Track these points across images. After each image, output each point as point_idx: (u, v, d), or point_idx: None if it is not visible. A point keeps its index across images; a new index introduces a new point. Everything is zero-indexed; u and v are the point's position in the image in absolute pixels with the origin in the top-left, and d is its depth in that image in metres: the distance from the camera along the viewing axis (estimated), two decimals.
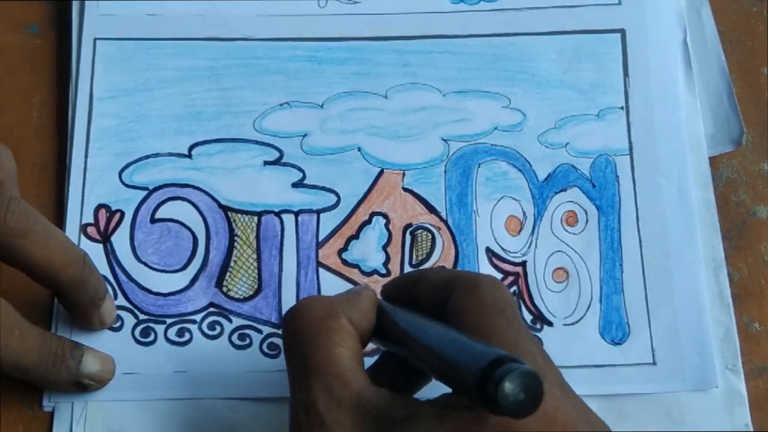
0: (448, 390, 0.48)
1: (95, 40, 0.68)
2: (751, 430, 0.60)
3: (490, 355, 0.42)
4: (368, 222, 0.64)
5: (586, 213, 0.65)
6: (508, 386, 0.41)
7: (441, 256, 0.64)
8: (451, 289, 0.51)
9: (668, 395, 0.61)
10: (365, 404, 0.47)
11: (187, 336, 0.61)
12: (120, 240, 0.64)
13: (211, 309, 0.62)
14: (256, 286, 0.63)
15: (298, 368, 0.50)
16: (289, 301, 0.62)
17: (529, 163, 0.66)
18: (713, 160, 0.66)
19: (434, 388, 0.50)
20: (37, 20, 0.70)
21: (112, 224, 0.64)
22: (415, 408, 0.47)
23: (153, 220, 0.64)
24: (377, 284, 0.62)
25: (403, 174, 0.66)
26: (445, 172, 0.66)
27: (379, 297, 0.56)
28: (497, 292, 0.50)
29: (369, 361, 0.54)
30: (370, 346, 0.55)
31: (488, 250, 0.64)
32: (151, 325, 0.62)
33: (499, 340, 0.47)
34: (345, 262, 0.64)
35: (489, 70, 0.68)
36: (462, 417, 0.45)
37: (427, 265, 0.64)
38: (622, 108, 0.67)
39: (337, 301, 0.52)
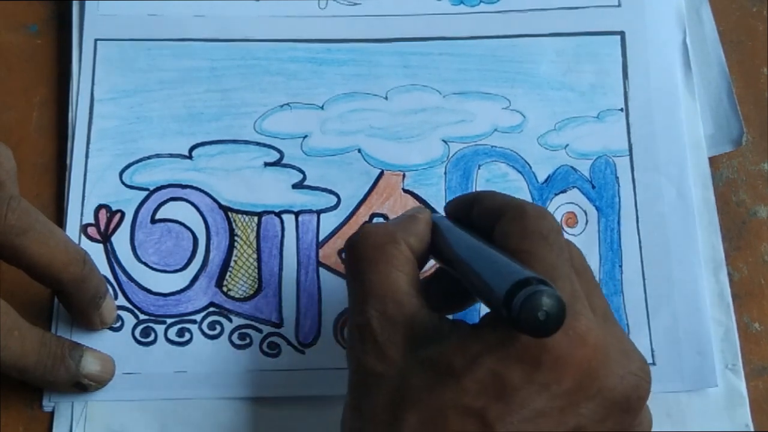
0: None
1: (96, 41, 0.68)
2: (751, 430, 0.60)
3: (517, 276, 0.44)
4: (368, 223, 0.64)
5: (586, 214, 0.65)
6: (530, 306, 0.42)
7: None
8: (499, 215, 0.52)
9: (668, 395, 0.61)
10: (416, 325, 0.49)
11: (187, 336, 0.61)
12: (120, 240, 0.64)
13: (211, 309, 0.62)
14: (256, 286, 0.63)
15: (357, 291, 0.51)
16: (289, 300, 0.62)
17: (528, 164, 0.66)
18: (713, 160, 0.66)
19: None
20: (37, 20, 0.70)
21: (113, 224, 0.64)
22: (457, 328, 0.49)
23: (153, 221, 0.64)
24: None
25: (404, 175, 0.66)
26: (445, 173, 0.66)
27: (442, 213, 0.58)
28: (542, 220, 0.51)
29: None
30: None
31: None
32: (151, 325, 0.62)
33: (538, 263, 0.48)
34: None
35: (489, 71, 0.69)
36: (496, 334, 0.46)
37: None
38: (621, 110, 0.67)
39: (396, 228, 0.53)
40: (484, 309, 0.61)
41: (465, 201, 0.57)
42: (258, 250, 0.63)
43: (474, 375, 0.46)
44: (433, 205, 0.65)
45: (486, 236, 0.52)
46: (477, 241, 0.51)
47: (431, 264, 0.58)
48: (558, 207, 0.65)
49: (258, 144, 0.66)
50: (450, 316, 0.53)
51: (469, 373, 0.46)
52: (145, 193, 0.65)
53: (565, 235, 0.63)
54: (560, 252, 0.50)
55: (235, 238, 0.64)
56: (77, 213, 0.64)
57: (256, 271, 0.63)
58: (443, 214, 0.58)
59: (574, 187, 0.65)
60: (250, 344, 0.61)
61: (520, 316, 0.42)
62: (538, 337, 0.43)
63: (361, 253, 0.52)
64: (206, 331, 0.62)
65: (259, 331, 0.62)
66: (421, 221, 0.55)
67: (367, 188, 0.65)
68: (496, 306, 0.45)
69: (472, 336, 0.47)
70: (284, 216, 0.64)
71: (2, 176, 0.58)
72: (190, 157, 0.66)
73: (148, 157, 0.66)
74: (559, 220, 0.65)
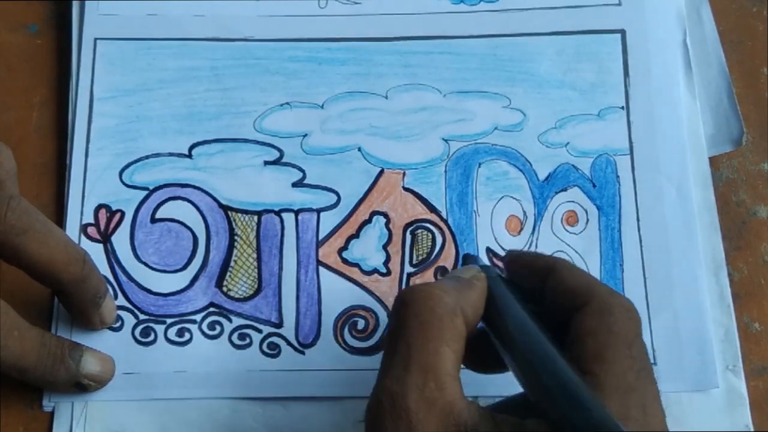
0: None
1: (95, 40, 0.68)
2: (752, 430, 0.60)
3: (596, 422, 0.42)
4: (368, 221, 0.64)
5: (587, 213, 0.65)
6: None
7: (441, 256, 0.64)
8: (582, 303, 0.49)
9: (669, 395, 0.60)
10: (455, 414, 0.46)
11: (187, 336, 0.61)
12: (120, 240, 0.64)
13: (211, 309, 0.62)
14: (256, 286, 0.63)
15: (399, 354, 0.47)
16: (289, 301, 0.62)
17: (529, 162, 0.66)
18: (713, 160, 0.66)
19: None
20: (37, 20, 0.70)
21: (113, 224, 0.64)
22: (499, 427, 0.46)
23: (153, 220, 0.64)
24: (379, 283, 0.62)
25: (404, 174, 0.66)
26: (445, 171, 0.66)
27: (497, 269, 0.55)
28: (630, 322, 0.48)
29: None
30: None
31: (489, 250, 0.64)
32: (151, 325, 0.62)
33: (617, 379, 0.46)
34: (345, 261, 0.63)
35: (489, 70, 0.68)
36: None
37: (427, 265, 0.64)
38: (622, 108, 0.67)
39: (456, 296, 0.49)
40: None
41: (537, 266, 0.54)
42: (258, 250, 0.63)
43: None
44: (433, 203, 0.65)
45: (553, 316, 0.49)
46: (542, 335, 0.48)
47: None
48: (558, 205, 0.65)
49: (258, 143, 0.66)
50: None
51: None
52: (145, 192, 0.65)
53: (566, 234, 0.64)
54: (641, 367, 0.47)
55: (235, 237, 0.64)
56: (77, 213, 0.64)
57: (256, 270, 0.63)
58: (499, 268, 0.54)
59: (574, 185, 0.65)
60: (249, 344, 0.61)
61: None
62: None
63: (414, 314, 0.48)
64: (206, 331, 0.62)
65: (259, 331, 0.62)
66: (478, 289, 0.51)
67: (367, 186, 0.65)
68: (553, 426, 0.43)
69: None
70: (284, 214, 0.64)
71: (2, 176, 0.57)
72: (189, 156, 0.66)
73: (148, 157, 0.66)
74: (559, 218, 0.65)
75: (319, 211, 0.65)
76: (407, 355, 0.47)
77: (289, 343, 0.61)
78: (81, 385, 0.59)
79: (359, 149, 0.66)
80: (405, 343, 0.47)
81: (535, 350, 0.47)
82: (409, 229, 0.64)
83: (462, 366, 0.48)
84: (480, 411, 0.47)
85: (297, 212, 0.64)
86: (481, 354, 0.52)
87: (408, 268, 0.63)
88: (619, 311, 0.48)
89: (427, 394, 0.46)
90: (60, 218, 0.64)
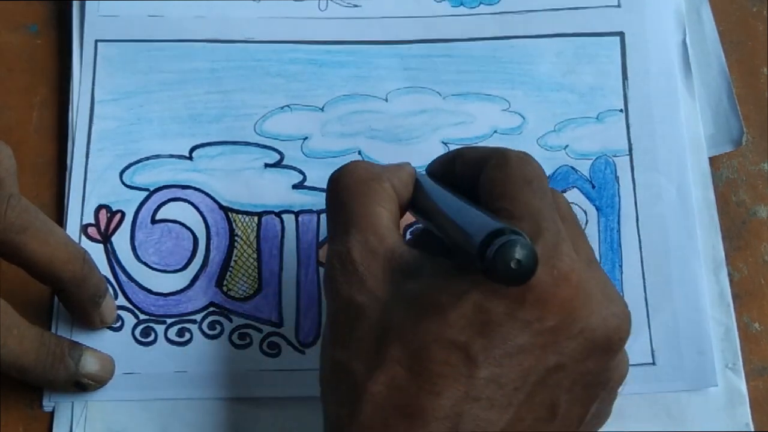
0: None
1: (96, 41, 0.68)
2: (752, 429, 0.60)
3: (491, 226, 0.44)
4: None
5: (586, 214, 0.65)
6: (503, 255, 0.43)
7: None
8: (483, 163, 0.52)
9: (668, 395, 0.61)
10: (397, 259, 0.49)
11: (187, 336, 0.61)
12: (120, 240, 0.64)
13: (212, 308, 0.62)
14: (256, 286, 0.63)
15: (339, 222, 0.52)
16: (289, 300, 0.62)
17: None
18: (713, 160, 0.66)
19: None
20: (37, 20, 0.70)
21: (113, 225, 0.64)
22: (438, 265, 0.49)
23: (154, 221, 0.64)
24: None
25: None
26: None
27: (423, 172, 0.58)
28: (526, 166, 0.51)
29: None
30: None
31: None
32: (152, 325, 0.62)
33: (523, 207, 0.49)
34: None
35: (488, 73, 0.69)
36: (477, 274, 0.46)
37: None
38: (621, 110, 0.67)
39: (381, 168, 0.54)
40: None
41: (447, 159, 0.57)
42: (258, 250, 0.63)
43: (459, 310, 0.46)
44: None
45: (470, 190, 0.52)
46: (455, 195, 0.52)
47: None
48: None
49: (258, 145, 0.66)
50: None
51: (455, 308, 0.46)
52: (146, 193, 0.65)
53: None
54: (544, 196, 0.50)
55: (236, 238, 0.64)
56: (77, 213, 0.64)
57: (256, 271, 0.63)
58: (425, 172, 0.58)
59: (574, 187, 0.65)
60: (250, 344, 0.61)
61: (494, 266, 0.43)
62: (511, 286, 0.44)
63: (345, 186, 0.53)
64: (206, 331, 0.62)
65: (259, 330, 0.62)
66: (405, 170, 0.55)
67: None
68: (471, 255, 0.45)
69: (457, 272, 0.47)
70: (284, 216, 0.64)
71: (2, 174, 0.57)
72: (190, 158, 0.66)
73: (149, 158, 0.66)
74: None
75: (319, 213, 0.65)
76: (346, 221, 0.51)
77: (289, 343, 0.61)
78: (81, 385, 0.58)
79: (359, 152, 0.66)
80: (341, 212, 0.52)
81: (453, 205, 0.51)
82: (409, 230, 0.64)
83: None
84: (422, 254, 0.50)
85: (297, 214, 0.64)
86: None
87: None
88: (516, 159, 0.51)
89: (369, 246, 0.50)
90: (60, 218, 0.64)
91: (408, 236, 0.64)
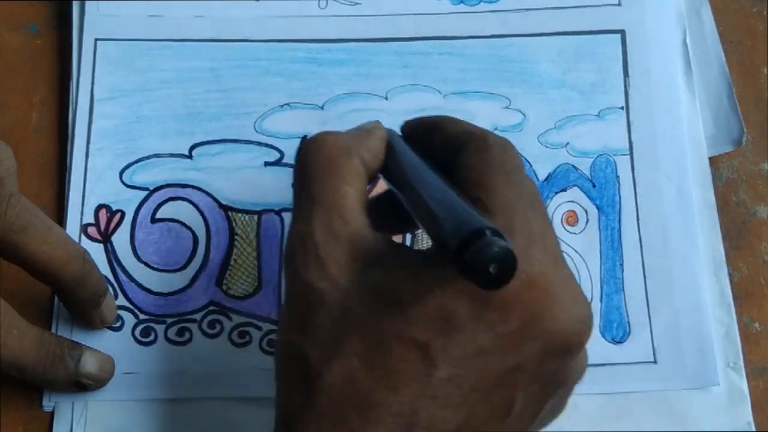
0: None
1: (96, 40, 0.68)
2: (753, 429, 0.60)
3: (473, 225, 0.43)
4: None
5: (587, 213, 0.65)
6: (482, 258, 0.42)
7: None
8: (462, 145, 0.51)
9: (669, 393, 0.61)
10: (361, 246, 0.48)
11: (187, 335, 0.61)
12: (120, 240, 0.64)
13: (211, 307, 0.62)
14: (256, 284, 0.63)
15: (303, 199, 0.50)
16: None
17: (529, 163, 0.66)
18: (713, 160, 0.66)
19: None
20: (37, 20, 0.70)
21: (113, 224, 0.64)
22: (404, 255, 0.48)
23: (153, 220, 0.64)
24: None
25: None
26: None
27: (398, 131, 0.56)
28: (505, 154, 0.50)
29: None
30: None
31: None
32: (152, 324, 0.62)
33: (498, 199, 0.48)
34: None
35: (489, 71, 0.68)
36: (448, 269, 0.45)
37: None
38: (622, 108, 0.67)
39: (351, 140, 0.52)
40: None
41: (425, 124, 0.56)
42: (258, 249, 0.63)
43: (422, 308, 0.45)
44: None
45: (444, 164, 0.51)
46: (433, 173, 0.50)
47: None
48: (558, 205, 0.65)
49: (258, 144, 0.66)
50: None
51: (418, 305, 0.45)
52: (145, 192, 0.65)
53: (566, 234, 0.63)
54: (521, 190, 0.49)
55: (236, 236, 0.64)
56: (77, 213, 0.64)
57: (256, 269, 0.63)
58: (399, 132, 0.57)
59: (574, 185, 0.65)
60: (249, 342, 0.61)
61: (471, 267, 0.42)
62: (485, 289, 0.43)
63: (312, 162, 0.51)
64: (206, 330, 0.62)
65: (259, 328, 0.62)
66: (376, 136, 0.54)
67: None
68: (444, 247, 0.44)
69: (422, 267, 0.47)
70: (284, 214, 0.64)
71: (2, 174, 0.57)
72: (190, 156, 0.66)
73: (148, 157, 0.66)
74: (559, 218, 0.64)
75: None
76: (310, 199, 0.50)
77: None
78: (80, 385, 0.58)
79: None
80: (307, 188, 0.50)
81: (430, 185, 0.49)
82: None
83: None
84: (387, 241, 0.49)
85: None
86: (386, 216, 0.54)
87: None
88: (495, 146, 0.50)
89: (333, 229, 0.48)
90: (60, 218, 0.64)
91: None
